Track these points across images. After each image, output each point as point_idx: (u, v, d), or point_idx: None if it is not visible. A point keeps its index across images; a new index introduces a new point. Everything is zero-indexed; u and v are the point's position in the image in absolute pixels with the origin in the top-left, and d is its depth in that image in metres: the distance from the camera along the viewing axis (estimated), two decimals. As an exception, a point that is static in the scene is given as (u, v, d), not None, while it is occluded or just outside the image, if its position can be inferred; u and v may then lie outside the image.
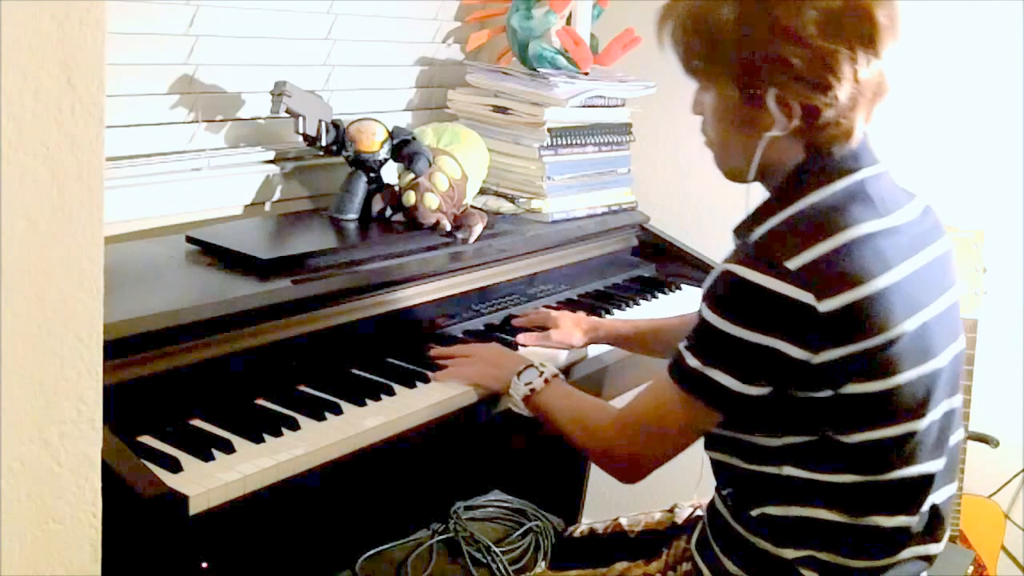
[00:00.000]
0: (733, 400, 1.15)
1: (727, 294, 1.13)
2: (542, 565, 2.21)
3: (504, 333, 1.74)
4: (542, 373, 1.40)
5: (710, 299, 1.15)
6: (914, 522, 1.21)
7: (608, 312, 1.93)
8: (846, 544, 1.19)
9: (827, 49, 1.11)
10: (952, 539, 2.07)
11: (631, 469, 1.27)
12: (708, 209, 2.30)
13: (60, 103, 0.91)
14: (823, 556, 1.20)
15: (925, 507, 1.22)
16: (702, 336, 1.16)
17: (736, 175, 1.26)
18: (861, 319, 1.10)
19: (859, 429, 1.15)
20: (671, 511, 1.51)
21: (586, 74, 2.08)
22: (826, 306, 1.08)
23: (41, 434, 0.98)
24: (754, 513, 1.23)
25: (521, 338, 1.69)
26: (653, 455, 1.25)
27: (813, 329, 1.09)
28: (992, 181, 2.16)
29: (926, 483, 1.20)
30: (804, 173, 1.19)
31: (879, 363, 1.12)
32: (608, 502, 2.42)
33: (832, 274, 1.09)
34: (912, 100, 2.20)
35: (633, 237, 2.23)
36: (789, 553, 1.21)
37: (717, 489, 1.32)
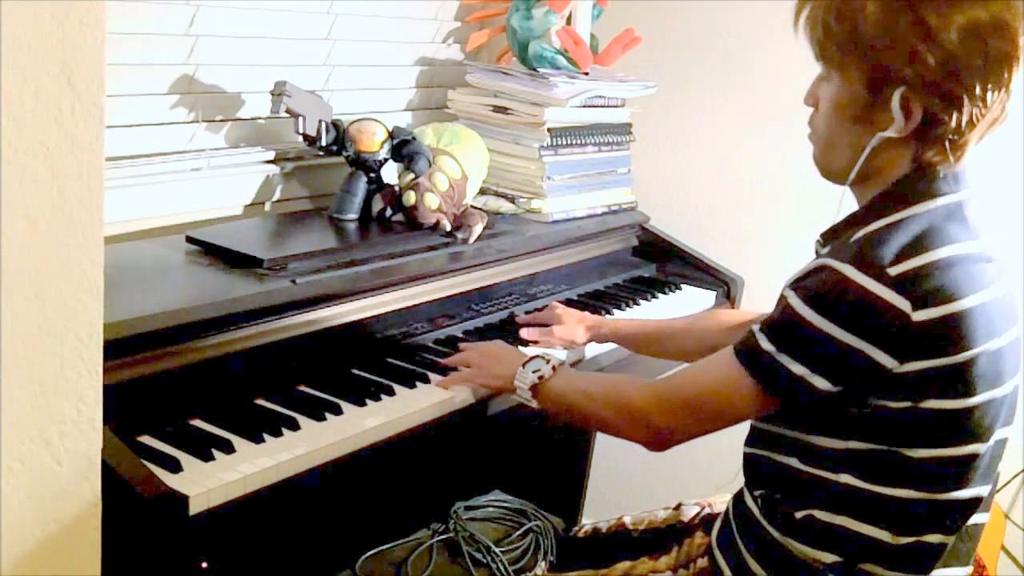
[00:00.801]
0: (795, 390, 1.15)
1: (823, 289, 1.13)
2: (542, 565, 2.21)
3: (505, 332, 1.73)
4: (548, 361, 1.39)
5: (802, 291, 1.15)
6: (951, 540, 1.21)
7: (608, 312, 1.92)
8: (887, 559, 1.19)
9: (964, 59, 1.11)
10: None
11: (664, 439, 1.26)
12: (708, 209, 2.30)
13: (60, 103, 0.91)
14: (863, 567, 1.20)
15: (968, 524, 1.22)
16: (784, 325, 1.16)
17: (836, 174, 1.25)
18: (950, 334, 1.11)
19: (928, 446, 1.16)
20: (676, 509, 1.51)
21: (586, 74, 2.08)
22: (920, 316, 1.10)
23: (41, 434, 0.98)
24: (798, 515, 1.22)
25: (524, 333, 1.70)
26: (691, 429, 1.24)
27: (903, 338, 1.10)
28: (992, 181, 2.16)
29: (973, 506, 1.21)
30: (905, 188, 1.19)
31: (959, 381, 1.14)
32: (608, 502, 2.42)
33: (929, 286, 1.11)
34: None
35: (633, 237, 2.23)
36: (827, 557, 1.20)
37: (748, 489, 1.31)
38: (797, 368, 1.14)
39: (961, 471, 1.18)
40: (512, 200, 2.05)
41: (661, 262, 2.23)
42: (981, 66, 1.12)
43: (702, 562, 1.33)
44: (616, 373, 1.39)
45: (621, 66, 2.18)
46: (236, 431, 1.25)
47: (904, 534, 1.18)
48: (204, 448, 1.19)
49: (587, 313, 1.77)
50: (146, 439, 1.21)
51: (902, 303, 1.10)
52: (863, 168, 1.21)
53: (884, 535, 1.18)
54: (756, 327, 1.19)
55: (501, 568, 2.19)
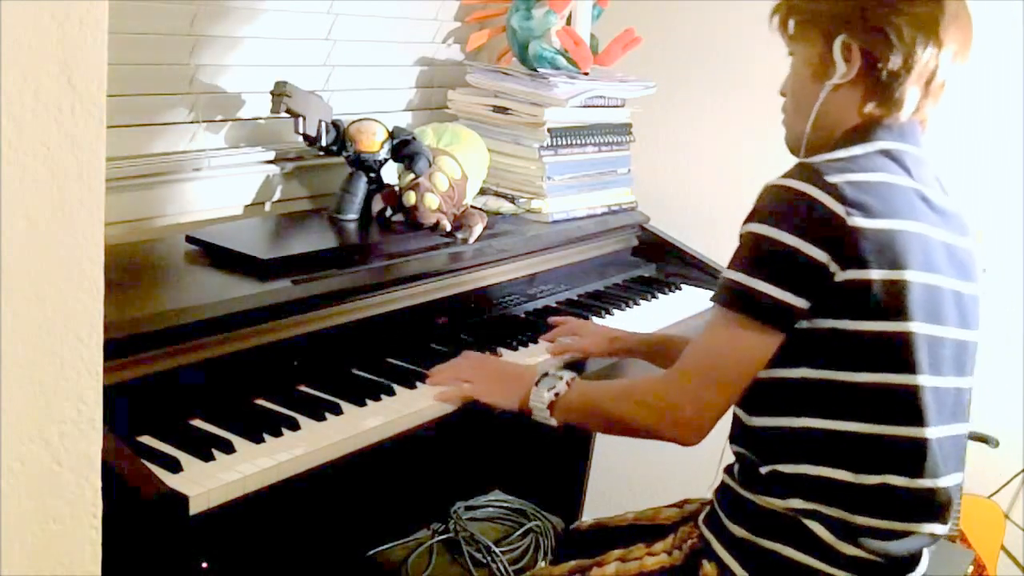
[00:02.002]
0: (783, 312, 1.19)
1: (767, 202, 1.21)
2: (542, 565, 2.21)
3: (502, 335, 1.73)
4: (561, 377, 1.40)
5: (751, 216, 1.22)
6: (919, 488, 1.23)
7: (608, 312, 1.93)
8: (852, 502, 1.22)
9: (898, 11, 1.24)
10: (952, 539, 2.07)
11: (698, 423, 1.24)
12: (708, 209, 2.30)
13: (60, 103, 0.91)
14: (829, 511, 1.22)
15: (932, 481, 1.24)
16: (743, 250, 1.22)
17: (797, 136, 1.35)
18: (884, 248, 1.18)
19: (870, 370, 1.20)
20: (681, 506, 1.52)
21: (586, 74, 2.08)
22: (855, 222, 1.16)
23: (41, 434, 0.98)
24: (764, 471, 1.26)
25: (547, 349, 1.68)
26: (718, 400, 1.24)
27: (841, 241, 1.16)
28: (992, 181, 2.16)
29: (930, 447, 1.23)
30: (845, 136, 1.28)
31: (895, 302, 1.18)
32: (608, 501, 2.42)
33: (865, 198, 1.18)
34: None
35: (633, 237, 2.23)
36: (796, 503, 1.23)
37: (726, 470, 1.35)
38: (773, 290, 1.18)
39: (907, 405, 1.21)
40: (512, 200, 2.05)
41: (661, 262, 2.23)
42: (906, 13, 1.24)
43: (693, 542, 1.35)
44: (624, 379, 1.39)
45: (621, 66, 2.18)
46: (236, 431, 1.25)
47: (864, 472, 1.21)
48: (204, 448, 1.19)
49: (607, 326, 1.76)
50: (146, 439, 1.21)
51: (838, 207, 1.17)
52: (819, 128, 1.31)
53: (844, 475, 1.21)
54: (725, 271, 1.24)
55: (501, 568, 2.19)
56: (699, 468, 1.87)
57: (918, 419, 1.22)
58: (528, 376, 1.42)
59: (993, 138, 2.14)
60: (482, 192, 2.04)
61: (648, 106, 2.22)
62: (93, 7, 0.91)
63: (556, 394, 1.37)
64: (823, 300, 1.19)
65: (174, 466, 1.15)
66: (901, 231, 1.19)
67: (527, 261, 1.91)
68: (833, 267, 1.17)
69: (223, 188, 1.79)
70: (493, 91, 2.06)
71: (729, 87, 2.25)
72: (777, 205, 1.20)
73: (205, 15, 1.72)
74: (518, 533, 2.32)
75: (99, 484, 1.04)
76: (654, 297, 2.06)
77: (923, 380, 1.22)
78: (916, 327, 1.20)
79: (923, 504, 1.24)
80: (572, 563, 1.41)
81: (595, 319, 1.88)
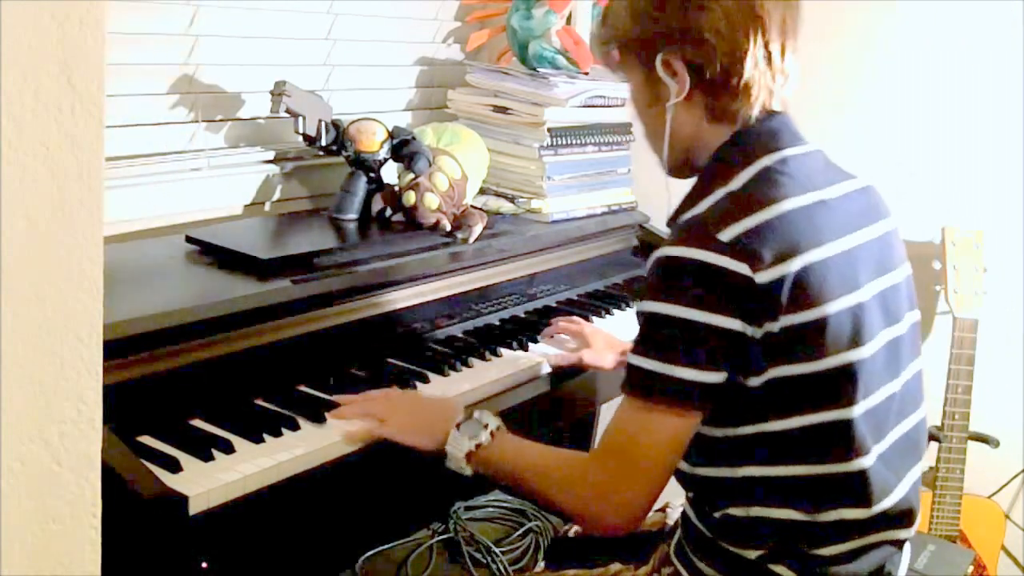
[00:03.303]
0: (697, 393, 1.11)
1: (663, 276, 1.12)
2: (542, 565, 2.21)
3: (502, 335, 1.73)
4: (486, 426, 1.26)
5: (647, 289, 1.14)
6: (873, 513, 1.19)
7: (608, 312, 1.93)
8: (812, 537, 1.18)
9: (704, 10, 1.17)
10: (952, 539, 2.07)
11: (623, 513, 1.16)
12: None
13: (60, 103, 0.91)
14: (791, 550, 1.19)
15: (888, 500, 1.20)
16: (647, 334, 1.13)
17: (670, 167, 1.30)
18: (797, 291, 1.10)
19: (799, 412, 1.14)
20: (663, 511, 1.51)
21: (586, 74, 2.08)
22: (762, 277, 1.08)
23: (41, 434, 0.98)
24: (717, 515, 1.21)
25: (553, 359, 1.65)
26: (640, 491, 1.15)
27: (752, 300, 1.09)
28: (992, 181, 2.16)
29: (872, 472, 1.18)
30: (724, 156, 1.22)
31: (811, 342, 1.12)
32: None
33: (765, 246, 1.10)
34: (912, 100, 2.20)
35: (633, 237, 2.23)
36: (754, 553, 1.19)
37: (686, 497, 1.30)
38: (679, 371, 1.10)
39: (842, 438, 1.15)
40: (512, 200, 2.05)
41: (661, 262, 2.23)
42: (714, 9, 1.17)
43: (667, 570, 1.33)
44: (554, 448, 1.26)
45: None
46: (236, 431, 1.25)
47: (818, 511, 1.17)
48: (204, 448, 1.19)
49: (614, 336, 1.72)
50: (146, 439, 1.21)
51: (742, 268, 1.08)
52: (682, 144, 1.26)
53: (797, 515, 1.17)
54: (629, 354, 1.15)
55: (501, 568, 2.19)
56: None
57: (856, 450, 1.16)
58: (449, 416, 1.30)
59: (993, 138, 2.14)
60: (482, 192, 2.04)
61: (648, 106, 2.22)
62: (93, 7, 0.91)
63: (477, 444, 1.25)
64: (742, 361, 1.12)
65: (174, 466, 1.15)
66: (810, 265, 1.11)
67: (527, 261, 1.91)
68: (749, 330, 1.10)
69: (223, 188, 1.79)
70: (493, 91, 2.06)
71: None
72: (674, 279, 1.11)
73: (205, 15, 1.72)
74: (518, 533, 2.32)
75: (99, 484, 1.04)
76: (654, 297, 2.06)
77: (856, 410, 1.15)
78: (838, 360, 1.13)
79: (883, 520, 1.20)
80: (570, 572, 1.40)
81: (595, 319, 1.88)
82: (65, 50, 0.90)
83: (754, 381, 1.13)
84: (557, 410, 1.69)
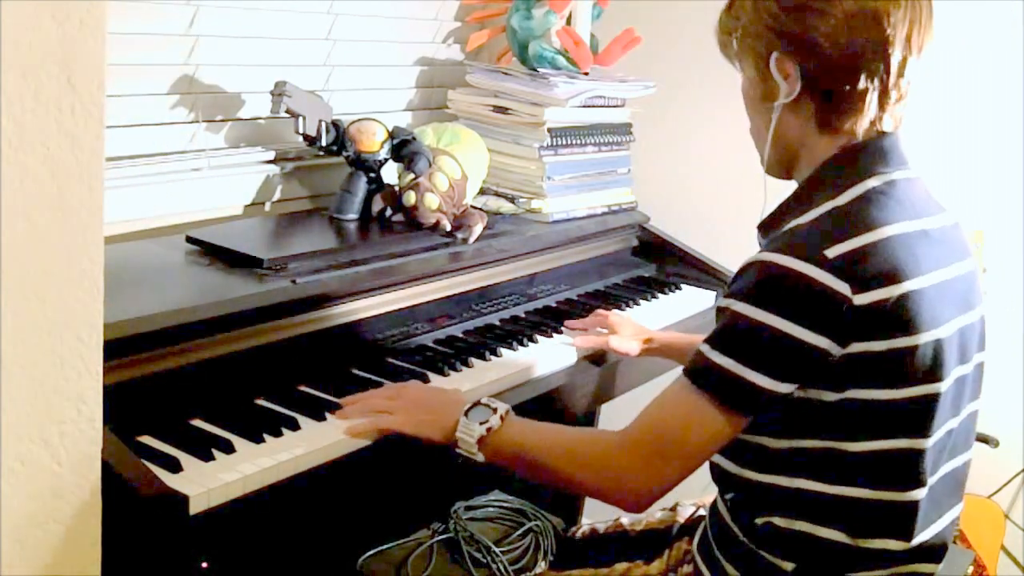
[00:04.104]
0: (764, 401, 1.11)
1: (760, 282, 1.11)
2: (542, 565, 2.21)
3: (502, 335, 1.74)
4: (495, 410, 1.26)
5: (739, 291, 1.13)
6: (911, 546, 1.19)
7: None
8: (847, 561, 1.18)
9: (826, 16, 1.15)
10: (952, 539, 2.07)
11: (644, 494, 1.18)
12: (708, 209, 2.30)
13: (60, 103, 0.91)
14: (826, 568, 1.18)
15: (930, 533, 1.20)
16: (727, 331, 1.13)
17: (770, 164, 1.29)
18: (892, 317, 1.09)
19: (868, 437, 1.14)
20: (673, 510, 1.51)
21: (586, 74, 2.08)
22: (861, 299, 1.08)
23: (41, 434, 0.98)
24: (759, 522, 1.21)
25: (578, 342, 1.65)
26: (671, 474, 1.16)
27: (845, 321, 1.08)
28: (992, 181, 2.16)
29: (921, 506, 1.18)
30: (832, 170, 1.20)
31: (898, 368, 1.11)
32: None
33: (868, 268, 1.09)
34: (912, 100, 2.20)
35: (633, 237, 2.23)
36: (787, 565, 1.19)
37: (720, 492, 1.29)
38: (757, 377, 1.10)
39: (905, 469, 1.16)
40: (512, 200, 2.05)
41: (661, 262, 2.23)
42: (837, 17, 1.15)
43: (686, 568, 1.33)
44: (572, 427, 1.26)
45: (621, 66, 2.18)
46: (236, 431, 1.25)
47: (861, 536, 1.17)
48: (204, 448, 1.19)
49: (641, 324, 1.73)
50: (146, 439, 1.21)
51: (842, 286, 1.08)
52: (785, 146, 1.25)
53: (841, 536, 1.16)
54: (704, 345, 1.15)
55: (501, 568, 2.19)
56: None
57: (917, 480, 1.16)
58: (456, 404, 1.29)
59: (993, 138, 2.14)
60: (482, 192, 2.04)
61: (648, 106, 2.22)
62: (93, 7, 0.91)
63: (488, 428, 1.24)
64: (818, 377, 1.12)
65: (174, 466, 1.15)
66: (907, 293, 1.10)
67: (527, 261, 1.91)
68: (835, 349, 1.10)
69: (223, 188, 1.79)
70: (493, 91, 2.06)
71: (729, 87, 2.23)
72: (773, 287, 1.10)
73: (205, 15, 1.72)
74: (518, 533, 2.32)
75: (99, 484, 1.04)
76: (654, 297, 2.06)
77: (929, 441, 1.16)
78: (918, 391, 1.13)
79: (918, 554, 1.20)
80: (575, 572, 1.40)
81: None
82: (65, 50, 0.90)
83: (831, 396, 1.12)
84: (558, 410, 1.69)
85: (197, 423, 1.27)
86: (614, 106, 2.17)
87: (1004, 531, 2.18)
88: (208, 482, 1.14)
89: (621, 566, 1.38)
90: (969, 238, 1.29)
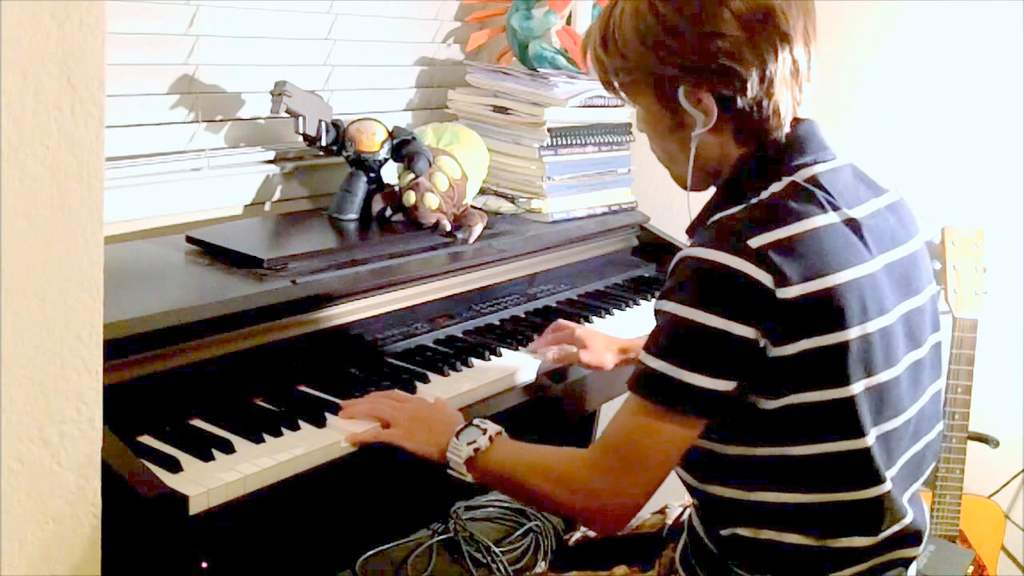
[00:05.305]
0: (707, 400, 1.09)
1: (684, 277, 1.09)
2: (542, 565, 2.21)
3: (502, 335, 1.74)
4: (485, 431, 1.27)
5: (667, 290, 1.11)
6: (880, 539, 1.17)
7: (608, 312, 1.92)
8: (819, 562, 1.17)
9: (730, 40, 1.11)
10: (952, 539, 2.07)
11: (618, 511, 1.17)
12: (708, 209, 2.30)
13: (60, 103, 0.91)
14: (798, 572, 1.18)
15: (900, 524, 1.18)
16: (662, 334, 1.11)
17: (693, 185, 1.24)
18: (818, 313, 1.07)
19: (813, 440, 1.12)
20: (662, 512, 1.51)
21: (586, 74, 2.08)
22: (784, 293, 1.06)
23: (41, 434, 0.98)
24: (724, 533, 1.20)
25: (550, 355, 1.64)
26: (637, 488, 1.14)
27: (771, 315, 1.06)
28: (992, 181, 2.16)
29: (888, 498, 1.16)
30: (752, 167, 1.18)
31: (834, 368, 1.09)
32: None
33: (791, 261, 1.07)
34: (912, 100, 2.21)
35: (633, 237, 2.23)
36: None
37: (692, 503, 1.28)
38: (689, 376, 1.08)
39: (859, 467, 1.13)
40: (512, 200, 2.05)
41: (661, 262, 2.23)
42: (741, 38, 1.11)
43: None
44: (553, 447, 1.26)
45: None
46: (236, 431, 1.25)
47: (829, 537, 1.15)
48: (204, 448, 1.19)
49: (613, 336, 1.70)
50: (146, 439, 1.21)
51: (764, 277, 1.06)
52: (705, 168, 1.21)
53: (808, 541, 1.15)
54: (641, 352, 1.13)
55: (501, 568, 2.19)
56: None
57: (871, 478, 1.14)
58: (451, 423, 1.30)
59: (993, 138, 2.14)
60: (482, 192, 2.04)
61: (648, 106, 2.22)
62: (93, 7, 0.91)
63: (476, 450, 1.25)
64: (756, 377, 1.09)
65: (174, 466, 1.15)
66: (835, 287, 1.08)
67: (527, 261, 1.91)
68: (764, 342, 1.07)
69: (223, 188, 1.79)
70: (493, 91, 2.06)
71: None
72: (697, 281, 1.08)
73: (205, 15, 1.72)
74: (518, 533, 2.32)
75: (99, 484, 1.04)
76: (654, 297, 2.05)
77: (870, 438, 1.13)
78: (859, 387, 1.11)
79: (891, 543, 1.19)
80: (573, 574, 1.40)
81: (595, 319, 1.88)
82: (65, 50, 0.90)
83: (770, 404, 1.11)
84: (558, 409, 1.69)
85: (197, 423, 1.27)
86: (614, 106, 2.16)
87: (1004, 531, 2.18)
88: (208, 482, 1.14)
89: (620, 570, 1.37)
90: (913, 215, 1.26)
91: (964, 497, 2.09)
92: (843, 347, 1.09)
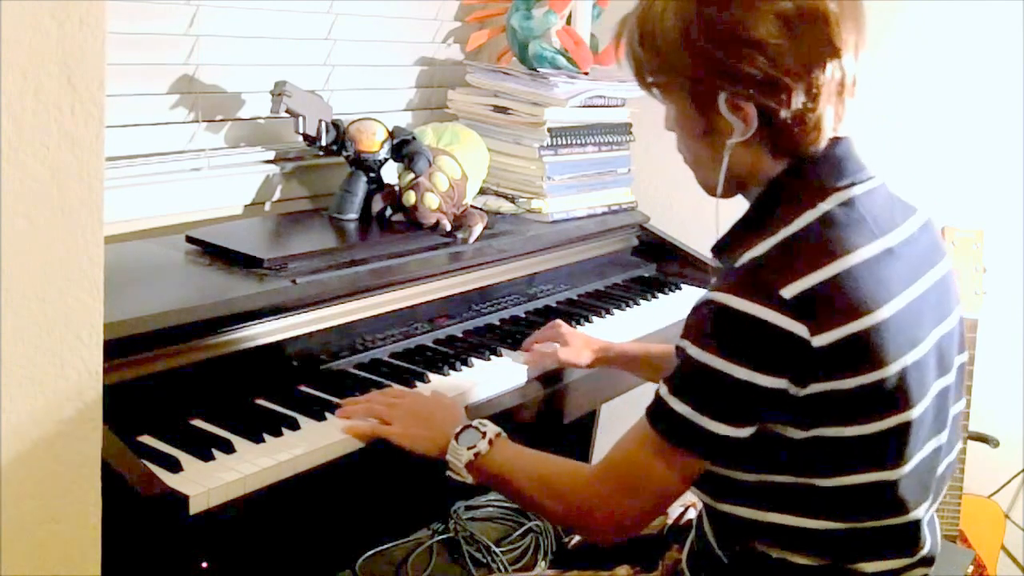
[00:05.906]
0: (723, 447, 1.07)
1: (712, 325, 1.05)
2: (542, 565, 2.21)
3: (502, 335, 1.74)
4: (484, 434, 1.26)
5: (693, 332, 1.08)
6: (914, 560, 1.16)
7: (608, 312, 1.92)
8: None
9: (767, 47, 1.06)
10: (952, 539, 2.07)
11: (613, 532, 1.17)
12: (708, 209, 2.29)
13: (60, 103, 0.91)
14: None
15: (918, 554, 1.17)
16: (685, 376, 1.08)
17: (710, 187, 1.21)
18: (856, 354, 1.04)
19: (839, 472, 1.09)
20: (664, 512, 1.50)
21: (586, 74, 2.08)
22: (820, 341, 1.02)
23: (41, 433, 0.98)
24: (738, 548, 1.18)
25: (526, 357, 1.63)
26: (639, 510, 1.14)
27: (804, 362, 1.03)
28: (992, 181, 2.16)
29: (913, 528, 1.15)
30: (786, 189, 1.14)
31: (863, 404, 1.06)
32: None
33: (827, 306, 1.03)
34: (912, 100, 2.20)
35: (633, 237, 2.23)
36: None
37: (706, 511, 1.25)
38: (709, 424, 1.06)
39: (884, 498, 1.11)
40: (512, 200, 2.05)
41: (661, 262, 2.23)
42: (786, 47, 1.06)
43: None
44: (554, 455, 1.26)
45: (621, 66, 2.18)
46: (236, 431, 1.25)
47: (845, 562, 1.13)
48: (204, 448, 1.19)
49: (592, 336, 1.70)
50: (146, 439, 1.21)
51: (798, 328, 1.02)
52: (736, 176, 1.17)
53: (821, 562, 1.13)
54: (662, 388, 1.10)
55: (501, 568, 2.19)
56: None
57: (898, 509, 1.12)
58: (451, 423, 1.30)
59: (993, 138, 2.14)
60: (482, 192, 2.04)
61: (648, 106, 2.21)
62: (93, 7, 0.91)
63: (476, 453, 1.25)
64: (781, 417, 1.07)
65: (174, 466, 1.15)
66: (874, 326, 1.04)
67: (527, 261, 1.91)
68: (793, 389, 1.04)
69: (223, 188, 1.79)
70: (493, 91, 2.06)
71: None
72: (726, 331, 1.04)
73: (205, 15, 1.72)
74: (518, 533, 2.32)
75: (99, 484, 1.04)
76: (654, 297, 2.06)
77: (901, 470, 1.10)
78: (891, 422, 1.08)
79: (908, 567, 1.17)
80: (574, 573, 1.40)
81: (595, 319, 1.88)
82: (65, 50, 0.90)
83: (797, 435, 1.08)
84: (558, 409, 1.69)
85: (197, 423, 1.27)
86: (614, 106, 2.17)
87: (1004, 531, 2.18)
88: (208, 482, 1.14)
89: (622, 570, 1.37)
90: (941, 235, 1.21)
91: (964, 497, 2.09)
92: (878, 384, 1.06)
